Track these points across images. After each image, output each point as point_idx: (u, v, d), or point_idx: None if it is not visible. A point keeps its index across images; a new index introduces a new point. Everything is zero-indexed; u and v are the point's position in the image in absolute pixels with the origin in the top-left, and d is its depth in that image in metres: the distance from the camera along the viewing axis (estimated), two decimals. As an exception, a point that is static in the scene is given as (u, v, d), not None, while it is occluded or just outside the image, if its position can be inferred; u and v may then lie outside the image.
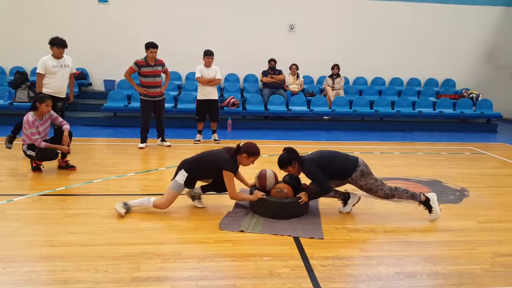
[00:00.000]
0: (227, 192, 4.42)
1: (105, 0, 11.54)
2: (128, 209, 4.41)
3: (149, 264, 3.34)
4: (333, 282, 3.18)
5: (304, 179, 4.60)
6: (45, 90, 6.43)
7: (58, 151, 5.89)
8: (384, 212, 4.73)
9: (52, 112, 5.88)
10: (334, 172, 4.45)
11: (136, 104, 9.28)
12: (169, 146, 7.94)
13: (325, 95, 11.36)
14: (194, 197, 4.74)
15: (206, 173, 4.54)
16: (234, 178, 4.44)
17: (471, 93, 12.05)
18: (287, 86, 11.33)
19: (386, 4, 12.43)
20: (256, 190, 4.49)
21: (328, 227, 4.24)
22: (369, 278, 3.26)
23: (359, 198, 4.70)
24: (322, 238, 3.96)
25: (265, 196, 4.40)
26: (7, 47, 11.41)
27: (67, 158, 6.15)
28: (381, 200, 4.87)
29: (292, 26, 12.35)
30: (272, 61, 11.21)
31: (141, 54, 7.69)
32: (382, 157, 7.69)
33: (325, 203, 4.89)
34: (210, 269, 3.31)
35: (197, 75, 8.13)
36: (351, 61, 12.40)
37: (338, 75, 11.56)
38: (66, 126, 5.92)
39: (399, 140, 9.54)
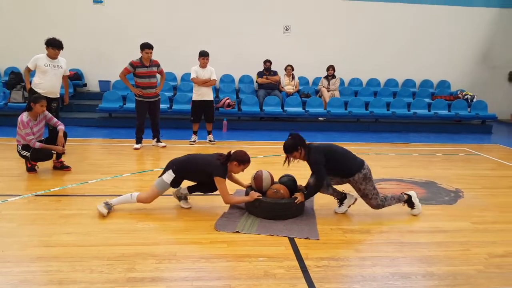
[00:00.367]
0: (215, 193, 4.43)
1: (100, 1, 11.52)
2: (110, 209, 4.42)
3: (144, 265, 3.34)
4: (328, 282, 3.19)
5: (301, 181, 4.61)
6: (37, 90, 6.42)
7: (53, 151, 5.87)
8: (379, 213, 4.74)
9: (46, 112, 5.86)
10: (339, 168, 4.46)
11: (131, 105, 9.26)
12: (164, 147, 7.93)
13: (320, 96, 11.38)
14: (180, 198, 4.76)
15: (195, 176, 4.60)
16: (229, 180, 4.46)
17: (466, 95, 12.09)
18: (282, 87, 11.33)
19: (382, 5, 12.47)
20: (252, 191, 4.50)
21: (323, 227, 4.25)
22: (364, 279, 3.27)
23: (355, 199, 4.71)
24: (318, 239, 3.96)
25: (261, 197, 4.40)
26: (1, 47, 11.35)
27: (62, 159, 6.12)
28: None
29: (288, 27, 12.36)
30: (267, 62, 11.21)
31: (137, 54, 7.68)
32: (377, 158, 7.71)
33: (321, 203, 4.90)
34: (205, 270, 3.31)
35: (193, 75, 8.12)
36: (346, 62, 12.42)
37: (333, 76, 11.58)
38: (61, 127, 5.90)
39: (394, 141, 9.57)
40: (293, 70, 11.40)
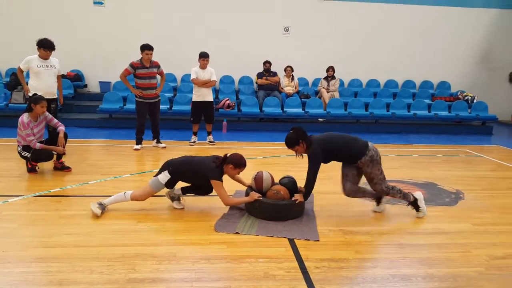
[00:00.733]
0: (215, 194, 4.43)
1: (101, 2, 11.53)
2: (103, 209, 4.42)
3: (144, 266, 3.34)
4: (328, 284, 3.19)
5: (301, 182, 4.61)
6: (33, 92, 6.42)
7: (54, 152, 5.87)
8: (380, 215, 4.74)
9: (47, 113, 5.87)
10: (343, 156, 4.44)
11: (131, 106, 9.26)
12: (164, 147, 7.93)
13: (320, 97, 11.39)
14: (173, 198, 4.75)
15: (191, 178, 4.61)
16: (232, 179, 4.46)
17: (466, 96, 12.09)
18: (282, 88, 11.34)
19: (381, 6, 12.48)
20: (252, 192, 4.49)
21: (323, 229, 4.24)
22: (364, 281, 3.27)
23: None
24: (318, 240, 3.96)
25: (261, 198, 4.40)
26: (2, 49, 11.37)
27: (63, 160, 6.13)
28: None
29: (287, 28, 12.37)
30: (267, 63, 11.22)
31: (137, 56, 7.68)
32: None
33: (321, 205, 4.90)
34: (205, 271, 3.31)
35: (193, 76, 8.13)
36: (346, 63, 12.43)
37: (333, 77, 11.59)
38: (61, 127, 5.90)
39: (394, 142, 9.56)
40: (292, 71, 11.41)
